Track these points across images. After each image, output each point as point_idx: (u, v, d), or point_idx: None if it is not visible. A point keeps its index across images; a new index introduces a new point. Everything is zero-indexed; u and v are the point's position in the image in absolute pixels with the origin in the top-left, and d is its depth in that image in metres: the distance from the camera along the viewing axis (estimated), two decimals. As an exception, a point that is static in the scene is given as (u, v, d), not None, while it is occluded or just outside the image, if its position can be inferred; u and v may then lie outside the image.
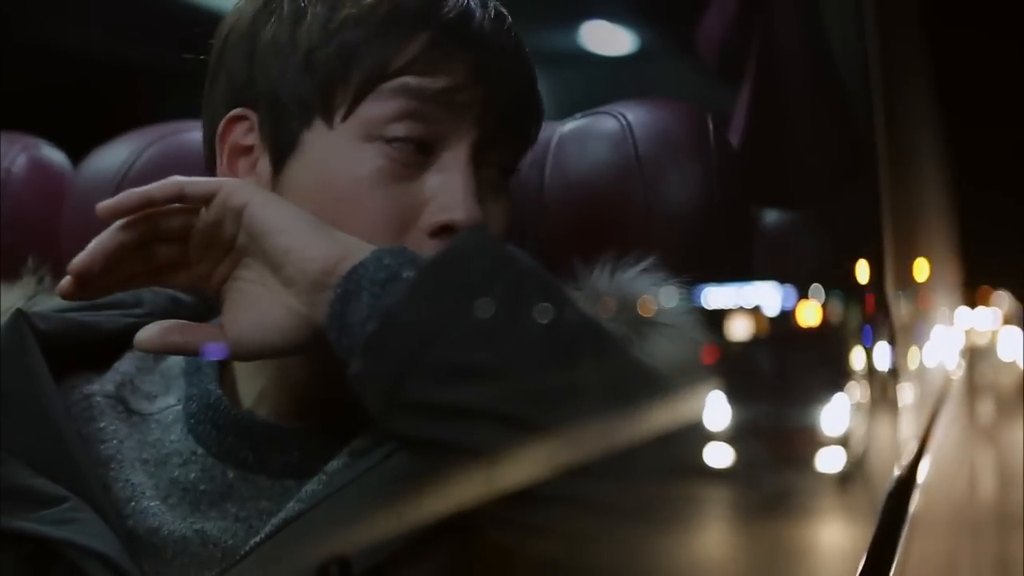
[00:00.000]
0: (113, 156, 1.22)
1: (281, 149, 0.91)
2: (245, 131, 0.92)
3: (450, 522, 0.78)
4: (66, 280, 0.84)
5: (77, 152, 1.27)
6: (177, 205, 0.85)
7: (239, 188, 0.85)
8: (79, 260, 0.83)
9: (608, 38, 2.19)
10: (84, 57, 1.88)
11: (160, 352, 0.90)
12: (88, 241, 0.85)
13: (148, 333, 0.84)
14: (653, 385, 0.80)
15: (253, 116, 0.92)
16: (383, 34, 0.89)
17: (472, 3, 0.92)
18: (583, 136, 1.07)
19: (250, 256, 0.84)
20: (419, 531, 0.80)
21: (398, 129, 0.88)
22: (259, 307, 0.83)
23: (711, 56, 1.51)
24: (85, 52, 1.89)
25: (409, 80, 0.88)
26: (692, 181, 1.04)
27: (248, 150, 0.92)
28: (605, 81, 2.13)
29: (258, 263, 0.84)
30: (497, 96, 0.91)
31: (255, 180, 0.91)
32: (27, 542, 0.86)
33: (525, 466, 0.75)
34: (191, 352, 0.86)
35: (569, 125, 1.09)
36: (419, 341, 0.76)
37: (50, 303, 1.01)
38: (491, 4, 0.94)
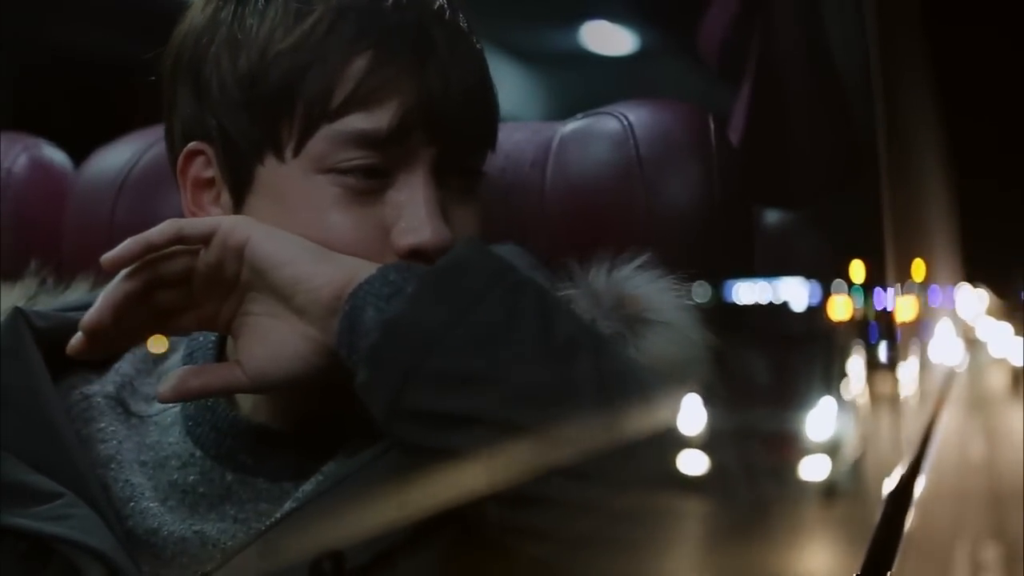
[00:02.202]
0: (115, 157, 1.22)
1: (238, 184, 0.89)
2: (204, 165, 0.91)
3: (443, 519, 0.78)
4: (76, 338, 0.83)
5: (79, 152, 1.27)
6: (177, 248, 0.84)
7: (237, 225, 0.84)
8: (89, 317, 0.83)
9: (609, 38, 2.18)
10: (86, 57, 1.88)
11: (182, 400, 0.90)
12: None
13: (168, 386, 0.84)
14: (650, 391, 0.80)
15: (209, 150, 0.90)
16: (323, 59, 0.85)
17: (414, 6, 0.88)
18: (584, 136, 1.07)
19: (256, 290, 0.84)
20: (412, 528, 0.80)
21: (350, 161, 0.86)
22: (274, 338, 0.83)
23: (712, 56, 1.50)
24: (87, 52, 1.89)
25: (355, 121, 0.85)
26: (693, 181, 1.04)
27: (210, 183, 0.91)
28: (606, 81, 2.12)
29: (266, 296, 0.83)
30: (450, 109, 0.87)
31: (220, 213, 0.90)
32: (23, 539, 0.86)
33: (520, 469, 0.75)
34: (212, 394, 0.87)
35: (570, 126, 1.09)
36: (419, 350, 0.76)
37: (51, 303, 1.01)
38: (437, 1, 0.89)
